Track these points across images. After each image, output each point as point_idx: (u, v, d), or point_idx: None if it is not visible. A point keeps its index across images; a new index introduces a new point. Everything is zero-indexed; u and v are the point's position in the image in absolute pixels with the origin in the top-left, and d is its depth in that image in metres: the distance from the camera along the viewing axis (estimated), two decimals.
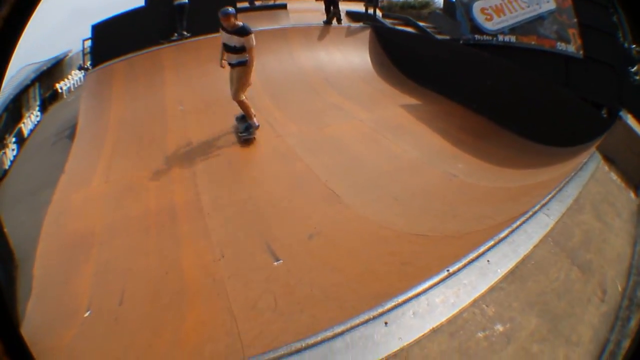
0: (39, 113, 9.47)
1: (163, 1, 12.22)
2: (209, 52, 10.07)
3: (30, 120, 9.00)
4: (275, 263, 4.03)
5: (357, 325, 2.29)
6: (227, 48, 6.84)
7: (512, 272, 2.91)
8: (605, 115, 8.22)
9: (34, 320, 4.01)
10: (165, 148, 7.12)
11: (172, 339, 3.41)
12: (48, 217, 5.66)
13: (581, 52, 9.93)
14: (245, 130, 6.94)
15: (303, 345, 2.23)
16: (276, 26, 12.61)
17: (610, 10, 9.56)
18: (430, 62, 10.90)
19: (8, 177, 7.42)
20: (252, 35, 6.64)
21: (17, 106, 9.02)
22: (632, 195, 5.09)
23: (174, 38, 11.67)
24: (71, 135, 8.03)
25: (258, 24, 12.37)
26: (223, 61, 7.10)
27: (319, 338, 2.26)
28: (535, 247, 3.24)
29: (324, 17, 12.59)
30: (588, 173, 4.90)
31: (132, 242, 4.93)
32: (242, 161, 6.66)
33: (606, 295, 3.15)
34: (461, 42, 11.93)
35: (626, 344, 2.67)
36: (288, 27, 12.59)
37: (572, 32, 10.08)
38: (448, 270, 2.71)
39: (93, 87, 10.02)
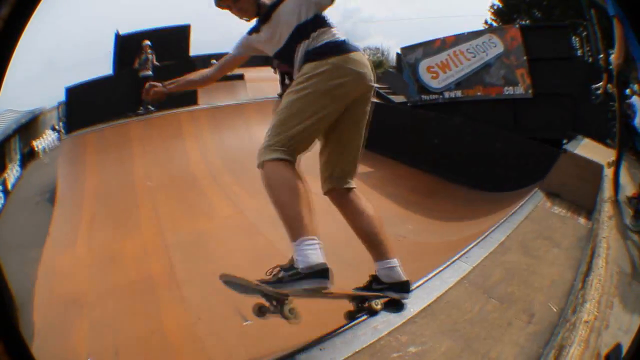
0: (19, 168, 9.99)
1: (129, 72, 12.99)
2: (172, 128, 11.18)
3: (12, 174, 9.55)
4: (245, 323, 4.65)
5: (298, 354, 2.82)
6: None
7: (424, 310, 3.23)
8: (563, 147, 8.02)
9: None
10: (137, 222, 7.79)
11: None
12: (40, 275, 6.29)
13: (530, 91, 10.13)
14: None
15: None
16: (233, 101, 13.27)
17: (565, 31, 9.99)
18: (380, 128, 10.17)
19: None
20: None
21: (1, 154, 9.61)
22: (583, 220, 5.33)
23: (140, 111, 12.36)
24: (51, 199, 8.67)
25: (215, 97, 13.19)
26: None
27: None
28: (449, 289, 3.55)
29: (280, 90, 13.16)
30: (523, 215, 5.21)
31: (119, 304, 5.58)
32: (209, 235, 7.24)
33: (534, 318, 3.31)
34: (409, 104, 12.27)
35: (553, 353, 2.83)
36: (245, 103, 13.25)
37: (521, 72, 10.27)
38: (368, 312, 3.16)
39: (68, 154, 10.71)
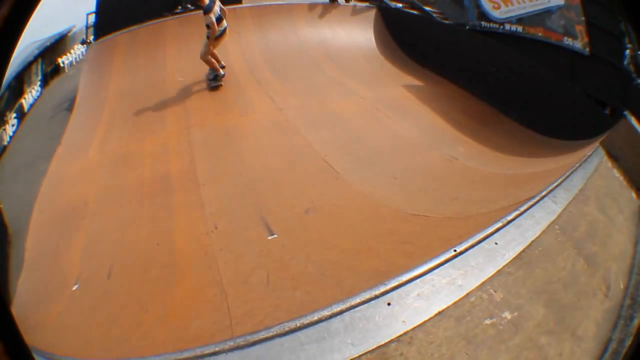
0: (39, 88, 9.46)
1: None
2: None
3: (31, 95, 9.00)
4: (270, 237, 3.93)
5: (357, 305, 2.18)
6: None
7: (519, 257, 2.86)
8: (608, 113, 8.32)
9: (24, 296, 3.98)
10: (163, 119, 7.04)
11: (159, 313, 3.33)
12: (43, 189, 5.62)
13: (587, 49, 9.94)
14: (214, 79, 7.71)
15: (297, 324, 2.12)
16: (280, 2, 12.44)
17: (618, 18, 9.60)
18: (434, 45, 10.86)
19: (7, 152, 7.43)
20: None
21: (19, 82, 9.01)
22: (634, 195, 5.12)
23: (178, 11, 11.58)
24: (70, 108, 8.04)
25: None
26: None
27: (315, 317, 2.15)
28: (542, 232, 3.22)
29: None
30: (593, 166, 4.92)
31: (125, 213, 4.87)
32: (240, 133, 6.54)
33: (610, 291, 3.15)
34: (467, 27, 11.79)
35: (629, 342, 2.64)
36: (293, 4, 12.39)
37: (579, 28, 10.09)
38: (455, 250, 2.65)
39: (94, 59, 10.05)
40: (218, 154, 5.94)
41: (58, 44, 10.99)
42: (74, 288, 3.85)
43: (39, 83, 9.57)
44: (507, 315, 2.42)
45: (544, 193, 3.69)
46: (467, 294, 2.37)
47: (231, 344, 2.21)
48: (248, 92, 7.84)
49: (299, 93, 7.77)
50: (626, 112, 6.66)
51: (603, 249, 3.59)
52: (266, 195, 4.77)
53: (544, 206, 3.54)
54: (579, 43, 10.04)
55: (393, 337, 2.03)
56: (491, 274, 2.60)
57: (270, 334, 2.12)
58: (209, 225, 4.28)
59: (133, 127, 6.91)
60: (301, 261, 3.63)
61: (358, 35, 11.02)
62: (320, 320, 2.10)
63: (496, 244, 2.85)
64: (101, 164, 6.02)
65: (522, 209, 3.34)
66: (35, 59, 9.70)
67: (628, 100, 8.08)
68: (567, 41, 10.22)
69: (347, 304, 2.18)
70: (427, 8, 14.11)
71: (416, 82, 9.31)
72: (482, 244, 2.81)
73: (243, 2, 12.28)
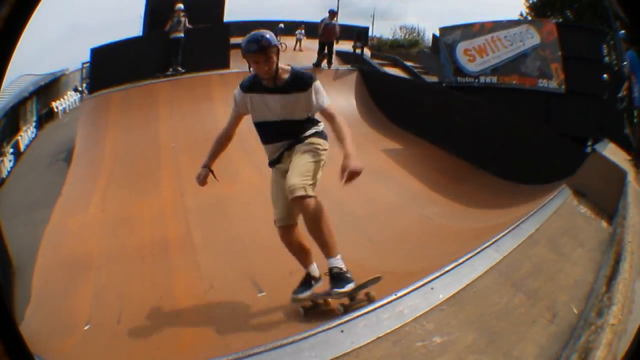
0: (34, 129, 9.80)
1: (160, 33, 12.51)
2: (202, 90, 10.68)
3: (26, 135, 9.35)
4: (259, 295, 4.45)
5: (318, 333, 2.62)
6: (270, 128, 3.96)
7: (453, 297, 3.12)
8: (589, 147, 8.37)
9: (32, 325, 4.36)
10: (158, 183, 7.52)
11: (171, 349, 3.83)
12: (46, 235, 6.05)
13: (563, 87, 10.32)
14: (339, 282, 3.69)
15: (268, 347, 2.54)
16: None
17: (599, 36, 10.25)
18: (413, 106, 11.08)
19: (6, 187, 7.79)
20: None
21: (15, 116, 9.39)
22: (605, 224, 5.25)
23: (169, 72, 12.02)
24: (67, 159, 8.43)
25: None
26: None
27: (289, 340, 2.57)
28: (479, 277, 3.44)
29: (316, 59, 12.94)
30: (551, 209, 5.13)
31: (128, 268, 5.34)
32: (230, 201, 6.97)
33: (556, 318, 3.28)
34: (444, 85, 12.29)
35: (574, 358, 2.80)
36: None
37: (555, 66, 10.48)
38: (396, 294, 3.01)
39: (90, 114, 10.38)
40: (211, 221, 6.42)
41: (52, 85, 11.38)
42: (85, 327, 4.29)
43: (34, 124, 9.93)
44: (437, 339, 2.74)
45: (487, 244, 3.90)
46: (403, 325, 2.74)
47: None
48: (236, 160, 8.16)
49: None
50: (597, 145, 6.99)
51: (549, 283, 3.76)
52: (255, 258, 5.27)
53: (485, 255, 3.74)
54: (554, 82, 10.48)
55: (344, 352, 2.49)
56: (425, 311, 2.90)
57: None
58: (205, 285, 4.76)
59: (131, 189, 7.38)
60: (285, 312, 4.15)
61: (341, 100, 11.21)
62: (294, 342, 2.54)
63: (432, 288, 3.12)
64: (102, 223, 6.52)
65: (462, 260, 3.57)
66: (30, 95, 10.11)
67: (606, 129, 8.46)
68: (542, 83, 10.69)
69: (314, 331, 2.63)
70: (408, 64, 15.03)
71: (395, 146, 9.71)
72: (420, 289, 3.09)
73: (230, 66, 12.67)
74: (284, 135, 3.86)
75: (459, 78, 11.96)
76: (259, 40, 3.56)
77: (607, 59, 10.69)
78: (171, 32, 12.58)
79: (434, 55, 14.34)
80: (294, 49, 15.54)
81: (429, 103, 10.97)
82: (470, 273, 3.48)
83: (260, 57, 3.55)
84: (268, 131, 3.95)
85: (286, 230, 3.93)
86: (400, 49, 16.65)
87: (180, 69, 12.13)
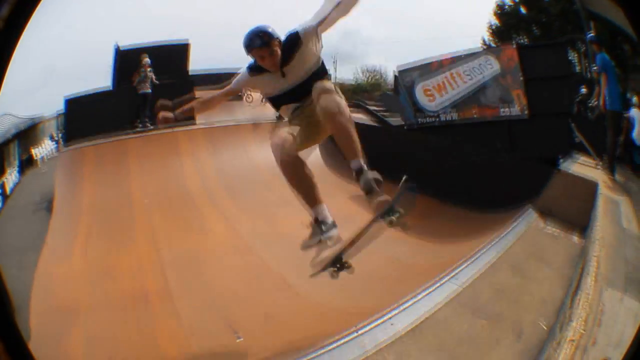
0: (18, 174, 9.98)
1: (128, 88, 12.81)
2: (170, 146, 11.13)
3: (11, 178, 9.57)
4: (237, 340, 4.85)
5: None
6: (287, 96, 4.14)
7: (412, 330, 3.36)
8: (557, 165, 8.39)
9: None
10: (133, 237, 7.87)
11: None
12: (36, 281, 6.37)
13: (526, 112, 10.12)
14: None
15: None
16: (231, 122, 13.31)
17: (565, 46, 10.16)
18: (376, 150, 10.20)
19: None
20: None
21: (0, 158, 9.66)
22: (576, 238, 5.39)
23: (138, 128, 12.32)
24: (49, 208, 8.73)
25: (213, 116, 12.67)
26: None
27: None
28: (438, 309, 3.68)
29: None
30: (514, 235, 5.34)
31: (114, 316, 5.72)
32: (203, 252, 7.38)
33: (522, 336, 3.45)
34: (405, 127, 12.29)
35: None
36: (243, 123, 13.25)
37: (517, 93, 10.25)
38: (356, 327, 3.36)
39: (66, 167, 10.69)
40: (186, 272, 6.75)
41: (30, 131, 11.45)
42: None
43: (17, 168, 10.10)
44: None
45: (445, 279, 4.18)
46: (366, 358, 3.06)
47: None
48: (207, 214, 8.71)
49: (252, 213, 8.61)
50: (560, 165, 7.18)
51: (513, 305, 3.92)
52: (230, 306, 5.66)
53: (444, 288, 3.99)
54: (516, 108, 10.20)
55: None
56: (385, 344, 3.16)
57: None
58: (186, 332, 5.16)
59: (109, 241, 7.71)
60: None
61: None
62: None
63: (392, 324, 3.39)
64: (85, 273, 6.83)
65: (422, 294, 3.86)
66: (13, 138, 10.35)
67: (572, 146, 8.55)
68: (504, 111, 10.43)
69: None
70: (371, 107, 14.63)
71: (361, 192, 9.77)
72: (381, 325, 3.38)
73: (197, 121, 13.20)
74: (303, 94, 3.94)
75: (419, 118, 11.91)
76: (261, 35, 3.68)
77: (578, 68, 10.73)
78: (139, 88, 12.78)
79: (397, 97, 13.99)
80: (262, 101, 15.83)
81: (390, 145, 10.72)
82: (429, 306, 3.79)
83: (264, 51, 3.71)
84: (286, 98, 4.06)
85: (299, 159, 4.05)
86: (363, 93, 16.37)
87: (148, 124, 12.36)
